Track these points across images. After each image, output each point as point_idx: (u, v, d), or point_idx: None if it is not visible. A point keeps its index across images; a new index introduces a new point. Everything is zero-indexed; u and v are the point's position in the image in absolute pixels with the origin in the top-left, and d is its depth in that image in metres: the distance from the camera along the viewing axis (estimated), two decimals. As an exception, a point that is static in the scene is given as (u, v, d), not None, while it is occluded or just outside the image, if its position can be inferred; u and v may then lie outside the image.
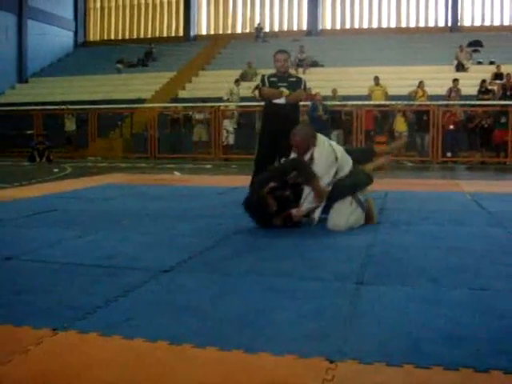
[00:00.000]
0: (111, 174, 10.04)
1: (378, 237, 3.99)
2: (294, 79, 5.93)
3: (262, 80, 5.91)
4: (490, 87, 14.92)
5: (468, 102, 14.49)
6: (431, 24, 23.91)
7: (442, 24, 23.46)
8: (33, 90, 20.78)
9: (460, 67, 17.60)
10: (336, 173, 4.32)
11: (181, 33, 25.91)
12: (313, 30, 24.12)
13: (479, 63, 18.07)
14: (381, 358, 1.85)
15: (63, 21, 25.17)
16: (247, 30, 25.57)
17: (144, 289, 2.68)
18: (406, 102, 14.44)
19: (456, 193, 6.88)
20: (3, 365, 1.82)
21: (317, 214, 4.34)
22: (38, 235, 4.07)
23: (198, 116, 15.45)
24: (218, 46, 23.41)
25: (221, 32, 26.09)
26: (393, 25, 24.43)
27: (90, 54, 24.14)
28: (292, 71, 7.63)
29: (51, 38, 23.94)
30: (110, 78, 20.75)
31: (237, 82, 16.37)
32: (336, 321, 2.22)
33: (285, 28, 25.49)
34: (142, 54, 22.73)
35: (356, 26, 24.78)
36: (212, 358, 1.88)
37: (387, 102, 14.90)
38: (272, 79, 5.82)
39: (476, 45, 19.54)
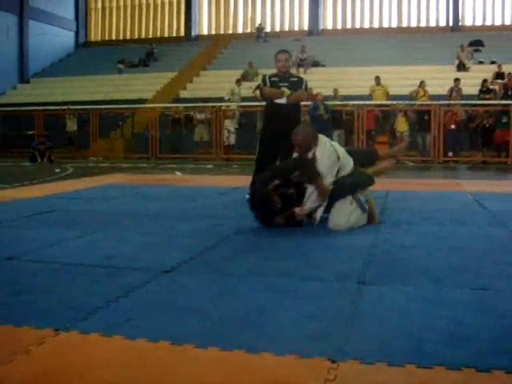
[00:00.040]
0: (112, 174, 10.05)
1: (380, 237, 3.98)
2: (295, 79, 5.93)
3: (263, 80, 5.91)
4: (491, 87, 14.92)
5: (469, 102, 14.48)
6: (432, 24, 23.90)
7: (443, 24, 23.46)
8: (34, 91, 20.80)
9: (461, 67, 17.59)
10: (338, 172, 4.33)
11: (182, 33, 25.92)
12: (314, 30, 24.12)
13: (480, 63, 18.06)
14: (383, 358, 1.84)
15: (64, 21, 25.19)
16: (248, 30, 25.57)
17: (145, 289, 2.68)
18: (407, 102, 14.43)
19: (457, 192, 6.87)
20: (4, 365, 1.81)
21: (318, 214, 4.34)
22: (39, 235, 4.07)
23: (199, 116, 15.45)
24: (219, 46, 23.41)
25: (222, 32, 26.10)
26: (394, 24, 24.43)
27: (91, 55, 24.15)
28: (293, 71, 7.62)
29: (52, 38, 23.95)
30: (112, 78, 20.76)
31: (238, 82, 16.37)
32: (338, 321, 2.22)
33: (286, 28, 25.50)
34: (143, 54, 22.74)
35: (357, 25, 24.78)
36: (214, 358, 1.88)
37: (388, 102, 14.90)
38: (273, 79, 5.81)
39: (477, 44, 19.53)
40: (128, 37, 26.70)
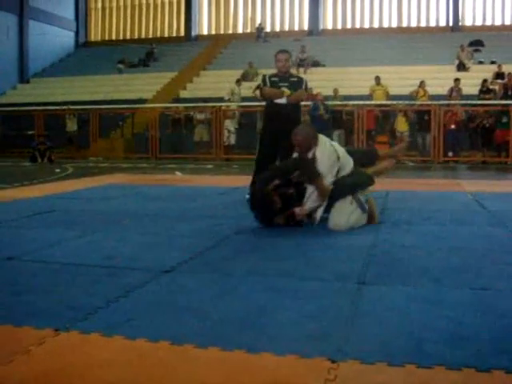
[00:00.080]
0: (112, 174, 10.05)
1: (380, 237, 3.98)
2: (295, 79, 5.93)
3: (263, 80, 5.91)
4: (491, 87, 14.92)
5: (469, 102, 14.48)
6: (432, 24, 23.90)
7: (443, 24, 23.46)
8: (34, 91, 20.80)
9: (461, 67, 17.59)
10: (338, 172, 4.33)
11: (182, 33, 25.92)
12: (314, 30, 24.11)
13: (480, 63, 18.06)
14: (383, 358, 1.84)
15: (64, 21, 25.19)
16: (248, 30, 25.56)
17: (145, 289, 2.68)
18: (407, 102, 14.44)
19: (457, 192, 6.87)
20: (5, 365, 1.81)
21: (318, 214, 4.34)
22: (39, 235, 4.07)
23: (199, 116, 15.45)
24: (219, 46, 23.41)
25: (222, 32, 26.09)
26: (394, 24, 24.42)
27: (91, 55, 24.15)
28: (293, 71, 7.62)
29: (52, 38, 23.95)
30: (112, 78, 20.76)
31: (238, 82, 16.37)
32: (338, 321, 2.22)
33: (286, 28, 25.49)
34: (143, 54, 22.74)
35: (357, 25, 24.77)
36: (214, 358, 1.88)
37: (388, 102, 14.90)
38: (273, 79, 5.82)
39: (477, 44, 19.53)
40: (128, 37, 26.69)
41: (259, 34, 23.44)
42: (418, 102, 14.41)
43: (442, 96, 14.73)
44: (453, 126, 13.43)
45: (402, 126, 13.89)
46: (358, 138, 14.04)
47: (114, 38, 26.76)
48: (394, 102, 14.64)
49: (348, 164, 4.46)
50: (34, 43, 22.75)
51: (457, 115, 13.56)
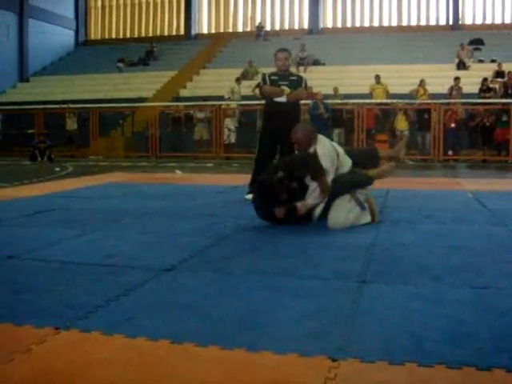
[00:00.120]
0: (112, 172, 10.05)
1: (380, 235, 3.98)
2: (295, 78, 5.94)
3: (263, 78, 5.91)
4: (491, 85, 14.92)
5: (469, 101, 14.49)
6: (432, 22, 23.89)
7: (443, 22, 23.45)
8: (34, 89, 20.79)
9: (461, 65, 17.59)
10: (336, 170, 4.35)
11: (182, 31, 25.91)
12: (314, 29, 24.10)
13: (480, 61, 18.05)
14: (383, 357, 1.84)
15: (64, 20, 25.17)
16: (248, 29, 25.56)
17: (145, 288, 2.68)
18: (407, 101, 14.44)
19: (457, 191, 6.87)
20: (5, 364, 1.81)
21: (317, 211, 4.34)
22: (39, 234, 4.07)
23: (199, 115, 15.45)
24: (218, 45, 23.40)
25: (222, 31, 26.08)
26: (394, 23, 24.41)
27: (91, 53, 24.15)
28: (293, 70, 7.63)
29: (52, 36, 23.95)
30: (111, 76, 20.75)
31: (238, 80, 16.37)
32: (338, 319, 2.22)
33: (286, 26, 25.48)
34: (143, 52, 22.73)
35: (357, 24, 24.76)
36: (214, 357, 1.88)
37: (388, 101, 14.90)
38: (273, 77, 5.82)
39: (477, 43, 19.52)
40: (128, 35, 26.68)
41: (259, 33, 23.43)
42: (418, 101, 14.41)
43: (442, 95, 14.73)
44: (453, 125, 13.43)
45: (401, 124, 13.90)
46: (358, 136, 14.04)
47: (113, 36, 26.76)
48: (394, 101, 14.65)
49: (346, 163, 4.48)
50: (34, 42, 22.74)
51: (457, 114, 13.56)
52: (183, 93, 19.03)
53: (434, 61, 17.86)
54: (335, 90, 15.29)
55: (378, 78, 15.25)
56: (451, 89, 14.78)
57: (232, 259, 3.28)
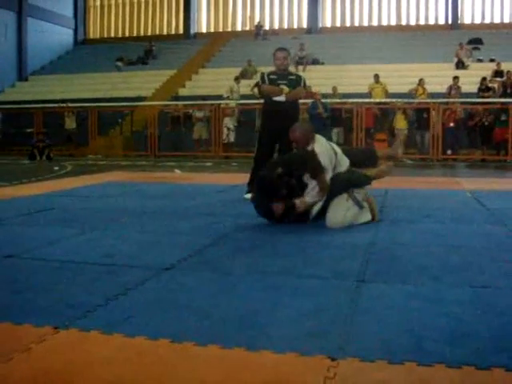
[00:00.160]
0: (111, 171, 10.04)
1: (379, 234, 3.99)
2: (294, 77, 5.94)
3: (262, 77, 5.91)
4: (490, 85, 14.92)
5: (468, 100, 14.49)
6: (431, 22, 23.91)
7: (442, 22, 23.46)
8: (33, 88, 20.78)
9: (460, 65, 17.60)
10: (334, 168, 4.36)
11: (181, 30, 25.90)
12: (313, 28, 24.11)
13: (479, 61, 18.07)
14: (382, 356, 1.84)
15: (63, 18, 25.15)
16: (247, 28, 25.56)
17: (144, 287, 2.68)
18: (406, 100, 14.45)
19: (456, 190, 6.87)
20: (4, 363, 1.81)
21: (315, 210, 4.34)
22: (38, 233, 4.07)
23: (198, 114, 15.45)
24: (217, 44, 23.39)
25: (221, 30, 26.08)
26: (393, 22, 24.42)
27: (90, 52, 24.13)
28: (292, 69, 7.63)
29: (51, 35, 23.93)
30: (110, 75, 20.74)
31: (237, 79, 16.36)
32: (337, 318, 2.22)
33: (285, 26, 25.48)
34: (142, 51, 22.72)
35: (356, 23, 24.78)
36: (213, 356, 1.88)
37: (387, 100, 14.90)
38: (272, 77, 5.82)
39: (476, 42, 19.53)
40: (127, 34, 26.66)
41: (258, 32, 23.43)
42: (417, 100, 14.42)
43: (441, 94, 14.73)
44: (452, 124, 13.44)
45: (400, 123, 13.90)
46: (357, 135, 14.05)
47: (112, 35, 26.74)
48: (393, 100, 14.65)
49: (344, 162, 4.49)
50: (33, 41, 22.72)
51: (456, 113, 13.56)
52: (182, 92, 19.02)
53: (432, 60, 17.87)
54: (334, 89, 15.29)
55: (376, 77, 15.25)
56: (450, 88, 14.78)
57: (231, 258, 3.28)
